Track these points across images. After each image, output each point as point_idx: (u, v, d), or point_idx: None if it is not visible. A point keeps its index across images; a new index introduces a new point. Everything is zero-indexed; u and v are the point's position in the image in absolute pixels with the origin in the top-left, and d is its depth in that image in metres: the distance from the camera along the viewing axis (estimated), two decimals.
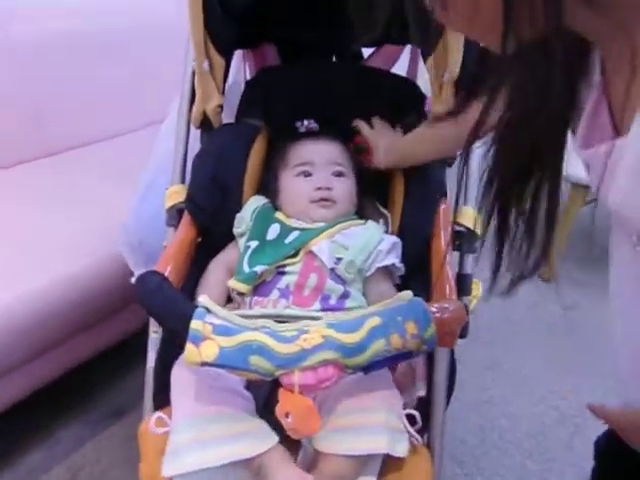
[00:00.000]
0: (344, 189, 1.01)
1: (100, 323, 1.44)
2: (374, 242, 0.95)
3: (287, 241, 0.93)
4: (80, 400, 1.49)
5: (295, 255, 0.91)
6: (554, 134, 0.46)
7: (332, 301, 0.88)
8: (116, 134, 1.96)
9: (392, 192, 1.08)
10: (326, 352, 0.68)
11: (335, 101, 1.10)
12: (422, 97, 1.09)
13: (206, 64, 0.99)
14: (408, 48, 1.21)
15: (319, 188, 0.98)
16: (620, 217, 0.45)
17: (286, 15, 1.04)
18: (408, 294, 0.78)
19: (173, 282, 0.86)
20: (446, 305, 0.78)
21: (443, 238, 0.97)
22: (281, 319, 0.76)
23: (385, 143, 1.03)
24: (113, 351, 1.50)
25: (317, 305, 0.87)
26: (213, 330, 0.68)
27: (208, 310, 0.71)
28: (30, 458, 1.35)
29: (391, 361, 0.74)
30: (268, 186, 1.06)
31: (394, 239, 0.97)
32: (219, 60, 1.00)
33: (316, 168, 1.00)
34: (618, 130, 0.44)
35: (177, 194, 1.04)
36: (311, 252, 0.91)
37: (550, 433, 1.51)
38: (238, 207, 1.02)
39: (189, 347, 0.67)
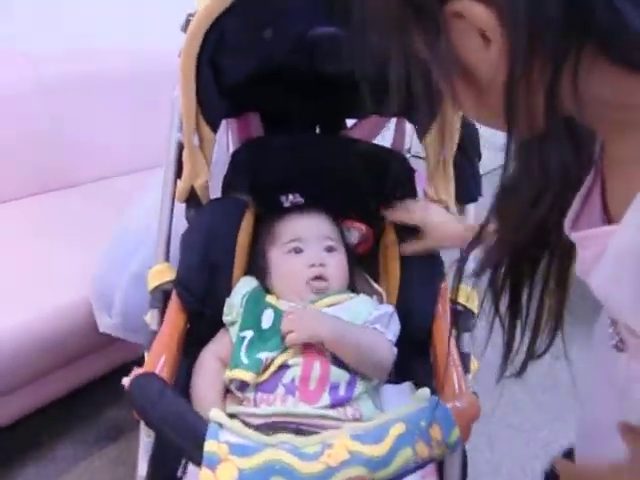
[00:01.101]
0: (337, 265, 0.97)
1: (103, 348, 1.44)
2: (365, 313, 0.91)
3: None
4: (80, 420, 1.52)
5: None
6: (555, 217, 0.47)
7: (341, 391, 0.83)
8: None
9: (385, 266, 1.06)
10: (353, 468, 0.63)
11: (320, 175, 1.07)
12: (411, 171, 1.09)
13: (196, 139, 0.94)
14: (393, 119, 1.21)
15: (312, 265, 0.94)
16: (605, 303, 0.45)
17: (280, 88, 1.01)
18: (425, 393, 0.75)
19: (166, 377, 0.79)
20: (459, 404, 0.75)
21: (443, 319, 0.96)
22: (295, 419, 0.71)
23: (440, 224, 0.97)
24: (116, 373, 1.44)
25: (326, 398, 0.81)
26: (230, 450, 0.62)
27: (220, 425, 0.65)
28: (25, 472, 1.39)
29: (415, 469, 0.70)
30: (256, 264, 1.00)
31: (388, 308, 0.94)
32: (209, 134, 0.95)
33: (307, 244, 0.97)
34: (608, 216, 0.43)
35: (161, 274, 0.97)
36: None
37: None
38: (227, 289, 0.96)
39: (205, 473, 0.60)
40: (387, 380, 0.91)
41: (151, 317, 0.96)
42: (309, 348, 0.85)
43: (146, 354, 0.92)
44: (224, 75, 0.91)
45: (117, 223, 1.31)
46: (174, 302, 0.92)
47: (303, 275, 0.94)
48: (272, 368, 0.84)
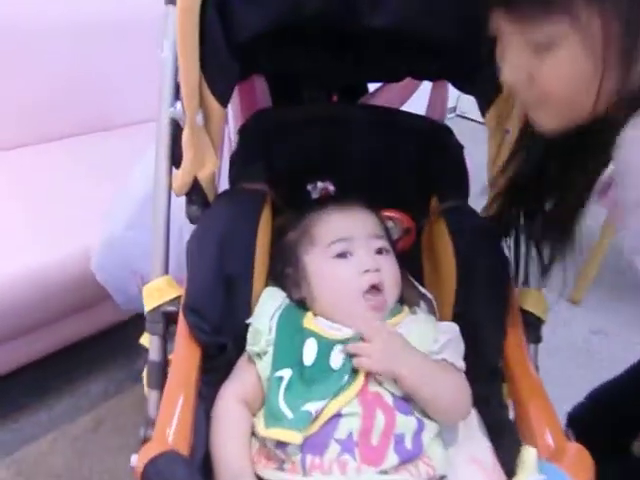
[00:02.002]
0: (391, 270, 0.77)
1: None
2: (429, 339, 0.73)
3: (334, 365, 0.68)
4: (113, 359, 1.56)
5: (348, 385, 0.67)
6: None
7: (408, 444, 0.65)
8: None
9: (433, 265, 0.87)
10: None
11: (354, 156, 0.86)
12: (461, 148, 0.88)
13: (200, 117, 0.70)
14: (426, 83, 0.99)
15: (367, 271, 0.74)
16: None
17: (301, 45, 0.78)
18: (532, 458, 0.58)
19: (185, 442, 0.60)
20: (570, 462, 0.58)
21: (515, 333, 0.78)
22: None
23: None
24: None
25: (393, 457, 0.63)
26: None
27: None
28: (61, 403, 1.45)
29: None
30: (283, 272, 0.80)
31: (453, 330, 0.76)
32: (218, 110, 0.72)
33: (356, 245, 0.76)
34: None
35: (160, 291, 0.75)
36: (369, 377, 0.67)
37: None
38: (248, 308, 0.76)
39: None
40: None
41: (150, 344, 0.76)
42: (367, 391, 0.66)
43: (147, 391, 0.74)
44: (236, 28, 0.67)
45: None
46: (183, 332, 0.71)
47: (356, 285, 0.74)
48: (322, 419, 0.64)
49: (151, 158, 0.78)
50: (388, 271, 0.76)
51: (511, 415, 0.74)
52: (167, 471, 0.52)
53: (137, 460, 0.54)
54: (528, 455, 0.58)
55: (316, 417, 0.63)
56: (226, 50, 0.68)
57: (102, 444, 1.35)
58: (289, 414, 0.64)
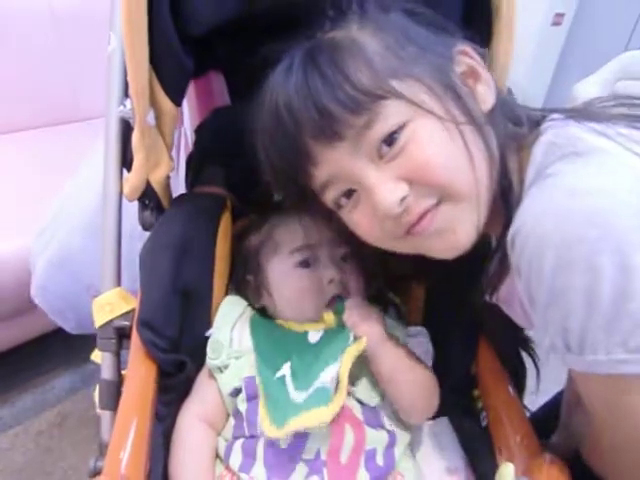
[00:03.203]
0: (357, 278, 0.73)
1: None
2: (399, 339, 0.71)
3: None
4: (76, 353, 1.50)
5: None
6: None
7: (379, 460, 0.62)
8: None
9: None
10: None
11: None
12: None
13: (151, 116, 0.65)
14: None
15: (331, 281, 0.71)
16: None
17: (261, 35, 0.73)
18: (510, 472, 0.56)
19: (136, 461, 0.55)
20: None
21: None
22: None
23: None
24: None
25: (364, 475, 0.60)
26: None
27: None
28: (24, 399, 1.43)
29: None
30: (243, 280, 0.75)
31: (422, 334, 0.74)
32: (171, 109, 0.66)
33: (320, 253, 0.72)
34: None
35: (112, 305, 0.70)
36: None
37: None
38: (207, 321, 0.71)
39: None
40: None
41: (102, 362, 0.70)
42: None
43: (99, 412, 0.68)
44: (190, 19, 0.62)
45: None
46: (138, 348, 0.66)
47: (319, 296, 0.70)
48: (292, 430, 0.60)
49: (99, 160, 0.73)
50: (354, 280, 0.72)
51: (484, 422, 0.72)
52: None
53: None
54: (506, 471, 0.56)
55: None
56: (178, 43, 0.63)
57: (67, 439, 1.33)
58: (303, 397, 0.60)
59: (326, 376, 0.60)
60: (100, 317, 0.70)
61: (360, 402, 0.65)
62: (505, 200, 0.52)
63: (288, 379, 0.62)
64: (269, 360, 0.65)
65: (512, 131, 0.55)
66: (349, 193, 0.56)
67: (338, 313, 0.68)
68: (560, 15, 2.06)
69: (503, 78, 0.68)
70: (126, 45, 0.60)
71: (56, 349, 1.51)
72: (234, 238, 0.79)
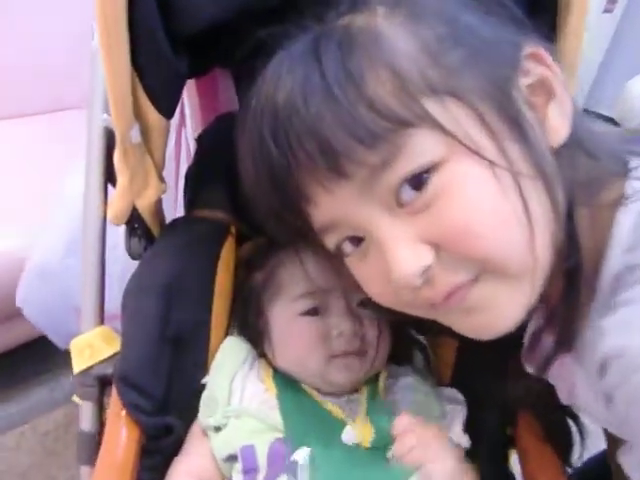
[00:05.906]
0: (376, 329, 0.60)
1: None
2: (435, 412, 0.59)
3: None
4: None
5: None
6: None
7: None
8: None
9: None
10: None
11: None
12: None
13: (136, 131, 0.54)
14: None
15: (341, 334, 0.59)
16: None
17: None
18: None
19: None
20: None
21: None
22: None
23: None
24: None
25: None
26: None
27: None
28: (32, 397, 1.37)
29: None
30: (245, 320, 0.64)
31: (457, 400, 0.62)
32: (158, 121, 0.55)
33: (331, 298, 0.59)
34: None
35: (93, 349, 0.60)
36: None
37: None
38: (201, 370, 0.60)
39: None
40: None
41: (81, 411, 0.61)
42: None
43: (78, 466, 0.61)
44: (183, 14, 0.51)
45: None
46: (118, 403, 0.55)
47: (324, 350, 0.58)
48: None
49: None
50: (372, 332, 0.60)
51: None
52: None
53: None
54: None
55: None
56: (167, 43, 0.51)
57: (74, 443, 1.26)
58: None
59: None
60: (79, 362, 0.60)
61: None
62: (569, 274, 0.39)
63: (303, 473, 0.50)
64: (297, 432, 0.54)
65: (587, 174, 0.39)
66: (357, 240, 0.42)
67: (379, 430, 0.54)
68: (612, 1, 1.87)
69: (571, 86, 0.53)
70: (100, 42, 0.48)
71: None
72: (240, 265, 0.68)
